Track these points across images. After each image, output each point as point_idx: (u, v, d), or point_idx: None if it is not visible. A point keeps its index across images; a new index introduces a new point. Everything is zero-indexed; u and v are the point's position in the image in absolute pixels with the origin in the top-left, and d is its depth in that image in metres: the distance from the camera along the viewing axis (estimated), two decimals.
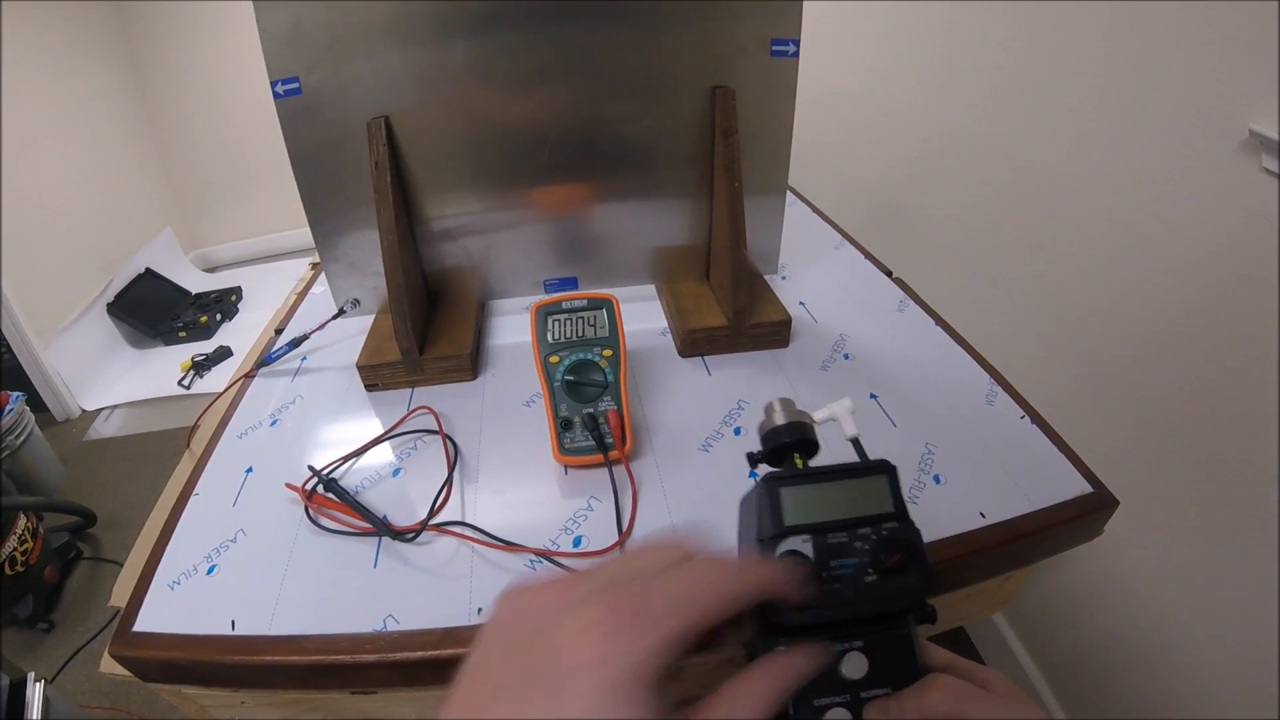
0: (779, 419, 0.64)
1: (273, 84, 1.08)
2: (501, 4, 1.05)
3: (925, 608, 0.50)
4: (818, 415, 0.69)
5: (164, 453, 3.33)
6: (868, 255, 1.46)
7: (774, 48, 1.11)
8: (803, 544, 0.52)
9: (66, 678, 2.41)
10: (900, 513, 0.54)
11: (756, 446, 0.67)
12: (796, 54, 1.12)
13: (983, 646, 2.11)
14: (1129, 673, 1.55)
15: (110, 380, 3.98)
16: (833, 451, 0.68)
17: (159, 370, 4.01)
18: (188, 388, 3.80)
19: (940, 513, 0.87)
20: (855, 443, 0.67)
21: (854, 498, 0.54)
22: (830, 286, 1.36)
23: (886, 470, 0.56)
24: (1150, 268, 1.31)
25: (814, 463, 0.63)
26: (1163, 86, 1.23)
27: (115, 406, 3.81)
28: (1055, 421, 1.02)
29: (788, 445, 0.63)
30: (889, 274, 1.39)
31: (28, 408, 3.13)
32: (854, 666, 0.47)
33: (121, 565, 0.97)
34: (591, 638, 0.38)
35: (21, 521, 2.53)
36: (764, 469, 0.64)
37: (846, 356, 1.16)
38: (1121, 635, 1.55)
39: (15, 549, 2.46)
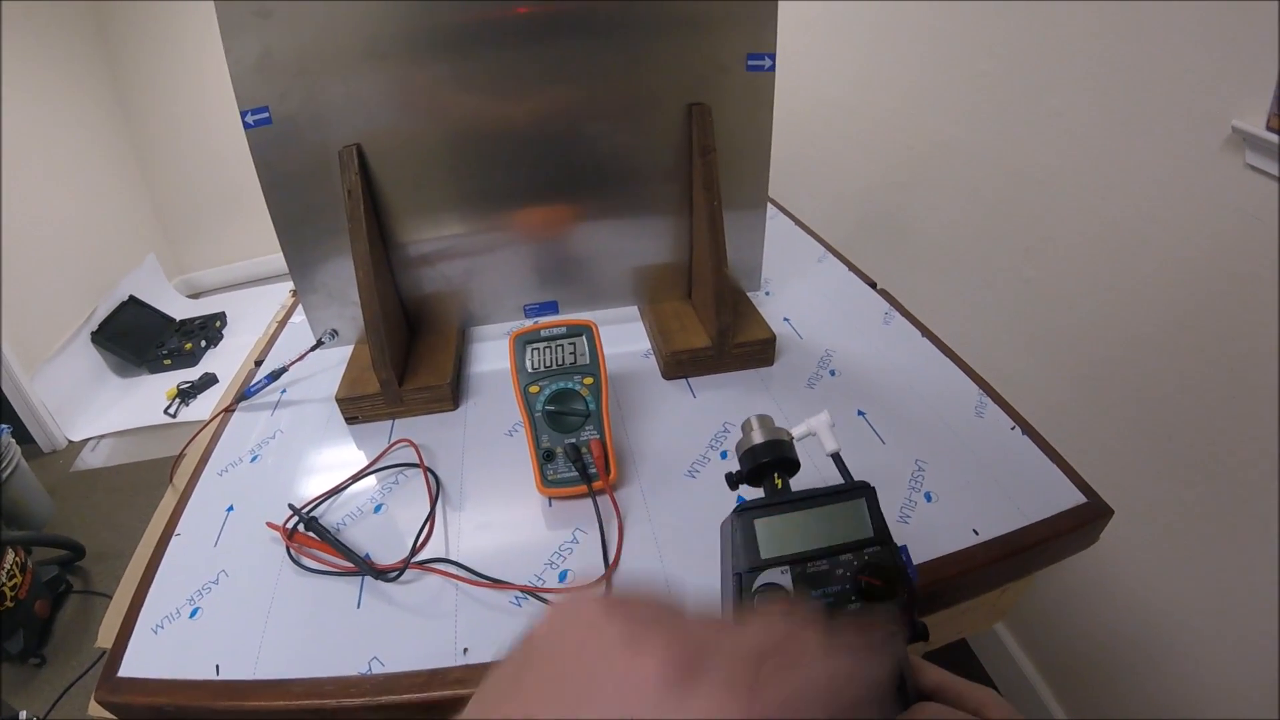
0: (756, 437, 0.63)
1: (243, 114, 1.06)
2: (474, 25, 1.04)
3: (915, 626, 0.49)
4: (796, 431, 0.68)
5: (152, 482, 3.31)
6: (852, 267, 1.45)
7: (750, 62, 1.10)
8: (781, 576, 0.51)
9: (59, 714, 2.39)
10: (881, 536, 0.53)
11: (737, 467, 0.66)
12: (773, 68, 1.11)
13: (983, 653, 2.10)
14: (1130, 674, 1.55)
15: (96, 410, 3.96)
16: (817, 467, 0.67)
17: (145, 399, 3.98)
18: (174, 416, 3.77)
19: (933, 532, 0.86)
20: (836, 458, 0.65)
21: (833, 523, 0.53)
22: (814, 301, 1.35)
23: (865, 492, 0.54)
24: (1139, 268, 1.31)
25: (798, 480, 0.62)
26: (1146, 86, 1.23)
27: (102, 436, 3.78)
28: (1047, 427, 1.01)
29: (767, 465, 0.62)
30: (873, 285, 1.38)
31: (14, 440, 3.10)
32: None
33: (111, 598, 0.96)
34: None
35: (10, 556, 2.51)
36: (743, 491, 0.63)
37: (833, 373, 1.15)
38: (1122, 637, 1.55)
39: (4, 584, 2.44)
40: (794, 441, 0.65)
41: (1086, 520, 0.88)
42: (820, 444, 0.68)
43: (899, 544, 0.53)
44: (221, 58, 1.01)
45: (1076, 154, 1.40)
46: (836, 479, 0.61)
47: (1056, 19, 1.38)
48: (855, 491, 0.55)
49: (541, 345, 1.00)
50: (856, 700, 0.33)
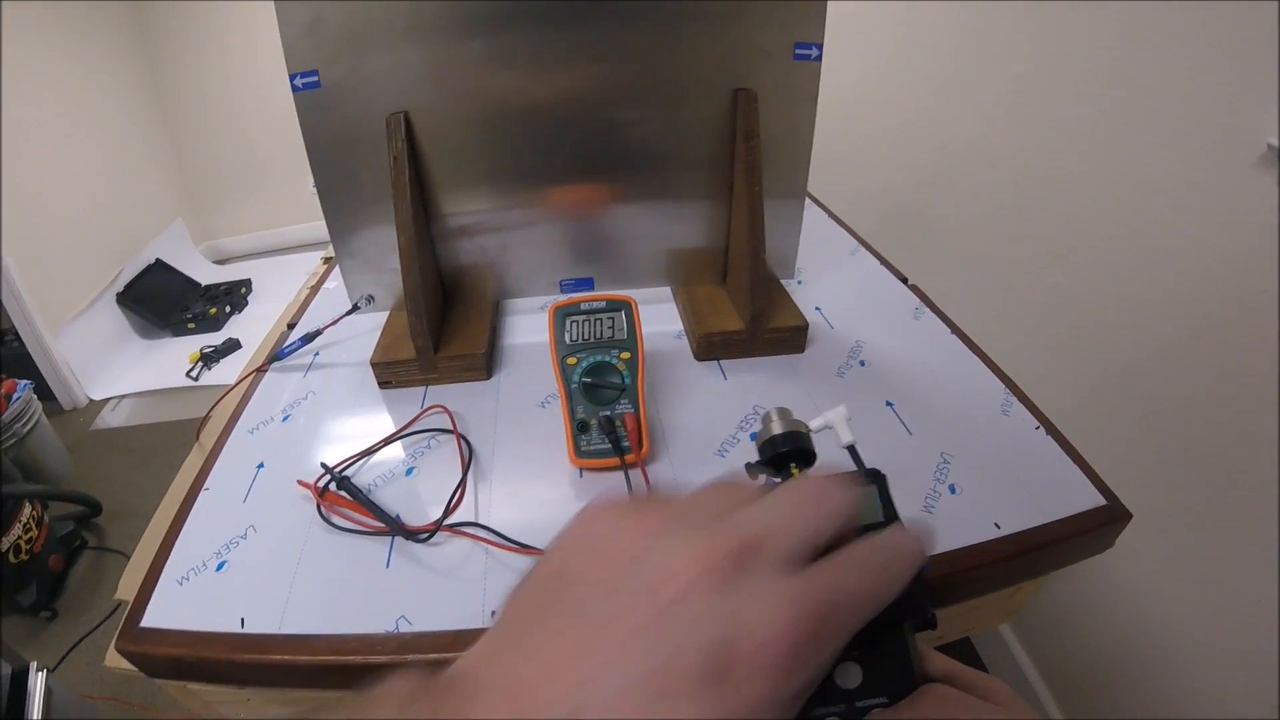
0: (775, 428, 0.64)
1: (291, 77, 1.07)
2: (522, 2, 1.05)
3: (924, 614, 0.49)
4: (814, 423, 0.68)
5: (171, 444, 3.34)
6: (883, 261, 1.46)
7: (797, 51, 1.11)
8: None
9: (69, 667, 2.42)
10: (892, 521, 0.53)
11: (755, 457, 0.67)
12: (819, 58, 1.11)
13: (986, 654, 2.10)
14: (1133, 682, 1.55)
15: (118, 370, 3.98)
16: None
17: (167, 361, 4.01)
18: (195, 379, 3.80)
19: (955, 523, 0.87)
20: (851, 450, 0.66)
21: None
22: (846, 292, 1.35)
23: (877, 479, 0.55)
24: (1167, 280, 1.30)
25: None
26: (1181, 98, 1.23)
27: (123, 397, 3.81)
28: (1068, 430, 1.01)
29: (785, 455, 0.63)
30: (904, 280, 1.38)
31: (35, 396, 3.13)
32: (849, 676, 0.46)
33: (126, 556, 0.97)
34: (782, 650, 0.33)
35: (27, 509, 2.53)
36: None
37: (862, 363, 1.16)
38: (1126, 644, 1.55)
39: (20, 537, 2.47)
40: (811, 434, 0.66)
41: (1105, 522, 0.88)
42: (837, 436, 0.69)
43: None
44: (254, 26, 1.03)
45: (1107, 162, 1.40)
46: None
47: (1093, 25, 1.38)
48: (868, 478, 0.55)
49: (581, 318, 1.00)
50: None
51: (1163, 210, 1.29)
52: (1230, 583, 1.29)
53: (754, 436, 0.99)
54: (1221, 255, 1.20)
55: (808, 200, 1.62)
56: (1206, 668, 1.37)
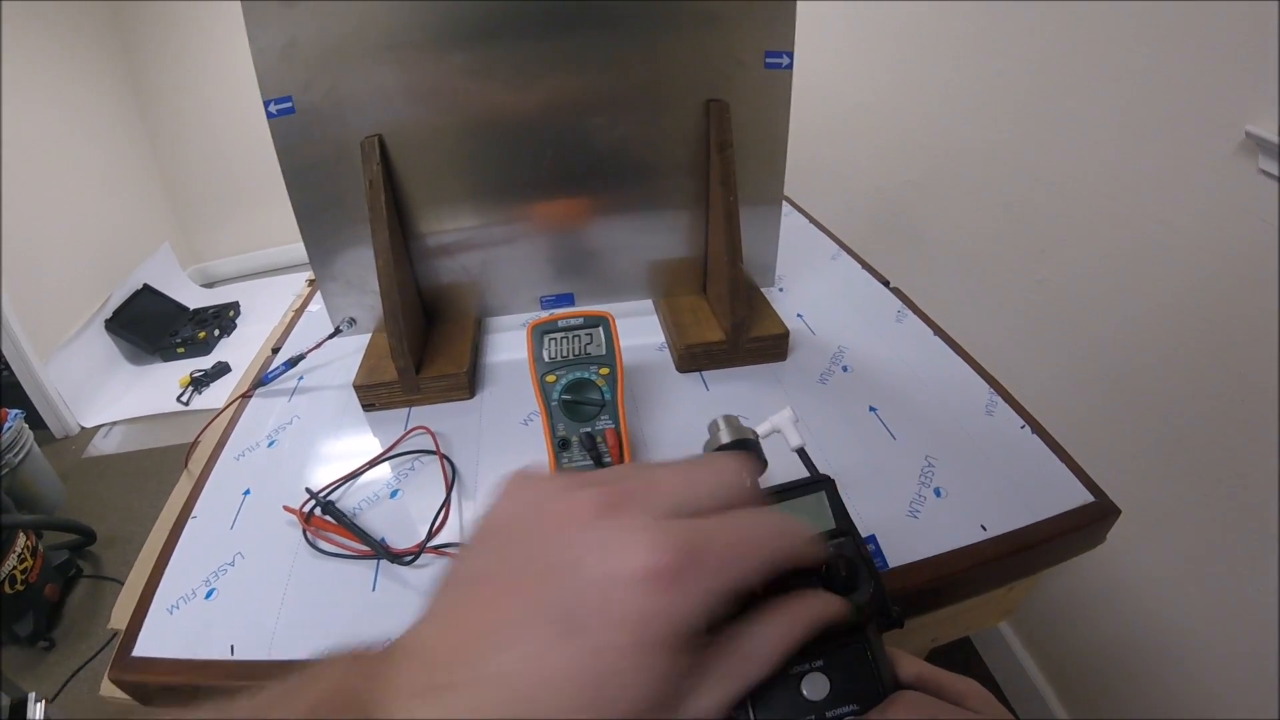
0: (724, 438, 0.63)
1: (266, 103, 1.07)
2: (495, 17, 1.05)
3: (888, 614, 0.48)
4: (761, 429, 0.68)
5: (163, 469, 3.34)
6: (865, 265, 1.46)
7: (768, 60, 1.11)
8: None
9: (67, 697, 2.41)
10: (843, 527, 0.52)
11: None
12: (790, 66, 1.12)
13: (986, 653, 2.10)
14: (1134, 678, 1.55)
15: (109, 397, 3.97)
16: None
17: (158, 386, 4.00)
18: (186, 404, 3.79)
19: (942, 526, 0.87)
20: (801, 453, 0.66)
21: (795, 517, 0.53)
22: (828, 298, 1.35)
23: (825, 485, 0.54)
24: (1150, 272, 1.31)
25: (770, 476, 0.62)
26: (1160, 89, 1.23)
27: (114, 423, 3.80)
28: (1057, 429, 1.02)
29: None
30: (886, 284, 1.38)
31: (26, 425, 3.12)
32: (815, 687, 0.45)
33: (121, 583, 0.97)
34: (637, 586, 0.35)
35: (21, 539, 2.53)
36: None
37: (845, 369, 1.16)
38: (1127, 640, 1.55)
39: (15, 567, 2.46)
40: (760, 440, 0.65)
41: (1094, 519, 0.88)
42: (786, 440, 0.68)
43: (868, 534, 0.53)
44: (237, 48, 1.02)
45: (1091, 157, 1.41)
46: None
47: (1072, 22, 1.38)
48: (815, 485, 0.54)
49: (559, 335, 1.00)
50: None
51: (1146, 203, 1.29)
52: (1229, 575, 1.29)
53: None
54: (1205, 246, 1.20)
55: (788, 207, 1.63)
56: (1206, 660, 1.37)
